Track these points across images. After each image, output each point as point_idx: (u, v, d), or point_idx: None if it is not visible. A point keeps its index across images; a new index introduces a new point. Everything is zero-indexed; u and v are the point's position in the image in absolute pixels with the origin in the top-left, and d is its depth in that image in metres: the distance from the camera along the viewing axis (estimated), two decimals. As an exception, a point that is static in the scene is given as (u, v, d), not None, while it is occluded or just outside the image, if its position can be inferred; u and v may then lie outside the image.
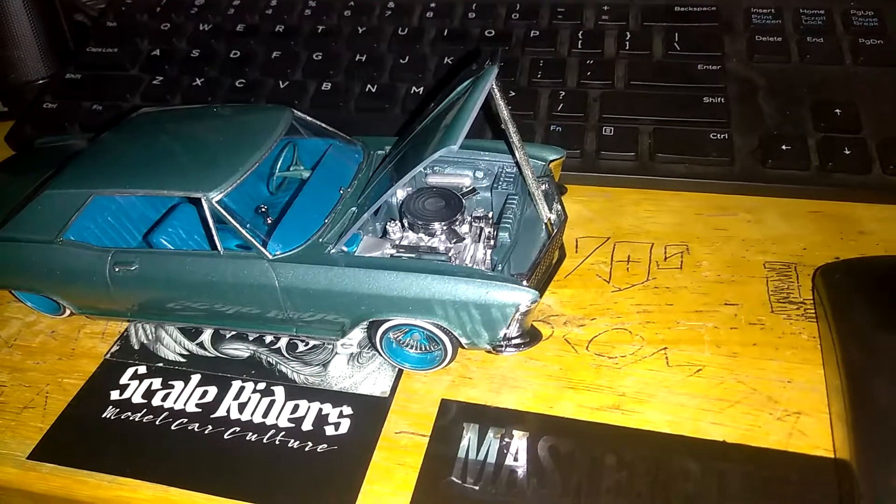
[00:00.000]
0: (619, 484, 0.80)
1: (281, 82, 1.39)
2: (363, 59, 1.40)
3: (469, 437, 0.87)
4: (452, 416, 0.89)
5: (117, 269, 0.95)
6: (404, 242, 0.94)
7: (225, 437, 0.90)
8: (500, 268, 0.88)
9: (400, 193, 0.99)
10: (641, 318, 1.00)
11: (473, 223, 0.96)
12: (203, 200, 0.90)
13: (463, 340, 0.88)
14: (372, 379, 0.95)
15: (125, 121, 1.09)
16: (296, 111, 1.03)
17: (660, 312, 1.00)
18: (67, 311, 1.06)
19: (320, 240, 0.92)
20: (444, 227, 0.94)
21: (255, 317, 0.94)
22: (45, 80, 1.55)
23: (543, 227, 0.95)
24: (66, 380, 1.00)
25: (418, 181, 1.03)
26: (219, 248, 0.91)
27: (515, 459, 0.84)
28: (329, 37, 1.46)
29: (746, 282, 1.03)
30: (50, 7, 1.57)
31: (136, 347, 1.03)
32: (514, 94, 1.27)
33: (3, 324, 1.09)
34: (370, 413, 0.91)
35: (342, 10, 1.50)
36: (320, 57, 1.42)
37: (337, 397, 0.93)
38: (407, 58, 1.38)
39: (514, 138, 0.91)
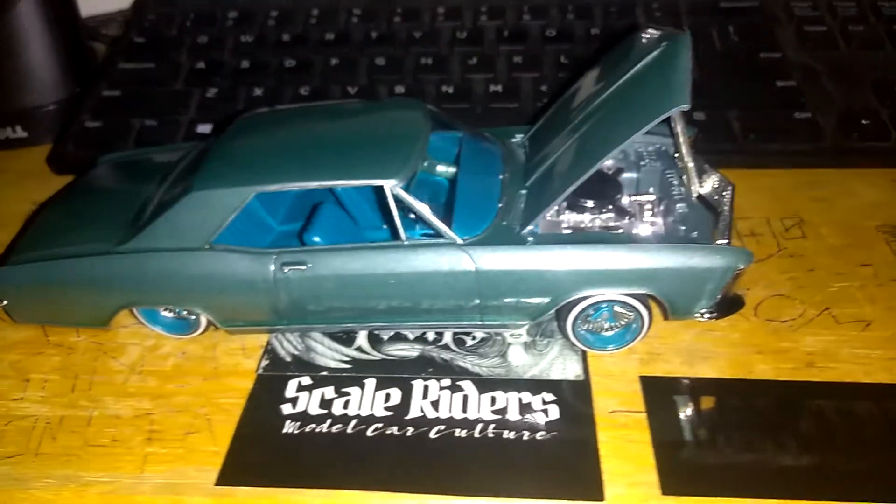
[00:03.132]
0: (850, 434, 0.81)
1: (350, 88, 1.35)
2: (430, 62, 1.38)
3: (685, 407, 0.86)
4: (661, 390, 0.88)
5: (286, 271, 0.88)
6: (573, 223, 0.93)
7: (431, 436, 0.84)
8: (694, 235, 0.88)
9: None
10: (792, 283, 1.03)
11: (633, 200, 0.96)
12: (386, 188, 0.85)
13: (672, 310, 0.87)
14: (559, 364, 0.92)
15: (241, 120, 1.02)
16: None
17: (806, 278, 1.04)
18: (200, 329, 0.97)
19: (503, 223, 0.89)
20: (611, 206, 0.94)
21: (440, 308, 0.89)
22: (59, 103, 1.42)
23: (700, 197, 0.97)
24: (222, 400, 0.90)
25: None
26: (402, 237, 0.87)
27: (741, 423, 0.84)
28: (387, 43, 1.43)
29: (869, 245, 1.09)
30: (70, 28, 1.45)
31: (288, 360, 0.95)
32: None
33: (119, 351, 0.98)
34: (574, 397, 0.88)
35: (392, 17, 1.48)
36: (383, 62, 1.39)
37: (531, 385, 0.90)
38: (475, 58, 1.38)
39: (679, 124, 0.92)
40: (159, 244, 0.90)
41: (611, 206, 0.94)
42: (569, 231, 0.92)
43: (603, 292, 0.86)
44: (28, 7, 1.37)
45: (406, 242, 0.87)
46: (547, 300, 0.87)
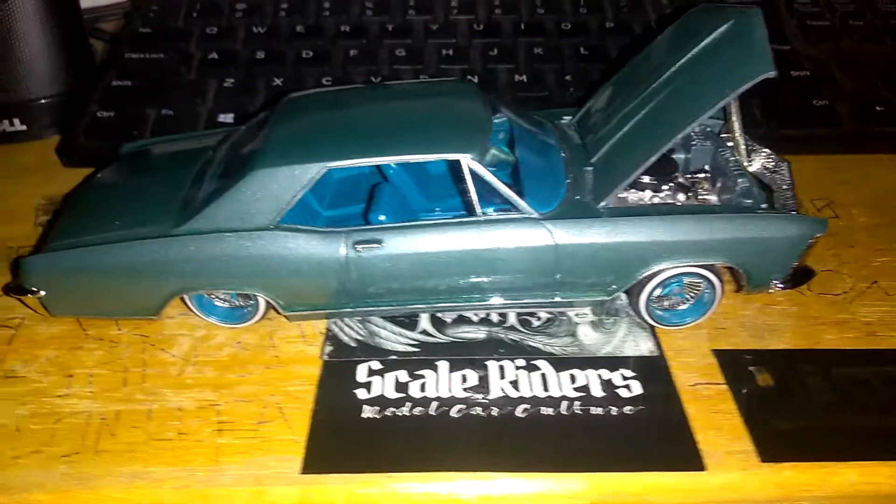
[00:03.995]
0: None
1: (373, 77, 1.32)
2: (450, 53, 1.37)
3: (765, 377, 0.86)
4: (737, 363, 0.88)
5: (359, 250, 0.84)
6: (635, 201, 0.93)
7: (518, 414, 0.82)
8: (763, 207, 0.89)
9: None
10: (836, 259, 1.05)
11: (689, 177, 0.97)
12: (463, 161, 0.84)
13: (748, 281, 0.88)
14: (630, 341, 0.91)
15: (290, 100, 0.98)
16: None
17: (848, 254, 1.06)
18: (256, 317, 0.92)
19: (575, 197, 0.88)
20: (671, 182, 0.94)
21: (516, 285, 0.88)
22: (60, 95, 1.34)
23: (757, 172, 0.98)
24: (290, 388, 0.86)
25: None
26: (478, 212, 0.85)
27: (823, 390, 0.84)
28: (409, 33, 1.41)
29: (901, 222, 1.13)
30: (70, 19, 1.38)
31: (353, 345, 0.91)
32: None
33: (168, 342, 0.92)
34: (652, 372, 0.87)
35: (406, 9, 1.47)
36: (403, 53, 1.37)
37: (607, 362, 0.89)
38: (495, 49, 1.38)
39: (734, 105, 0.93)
40: (221, 225, 0.85)
41: (671, 183, 0.95)
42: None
43: (681, 264, 0.86)
44: (27, -5, 1.30)
45: (482, 217, 0.85)
46: (626, 273, 0.87)
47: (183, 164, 1.00)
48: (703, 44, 0.88)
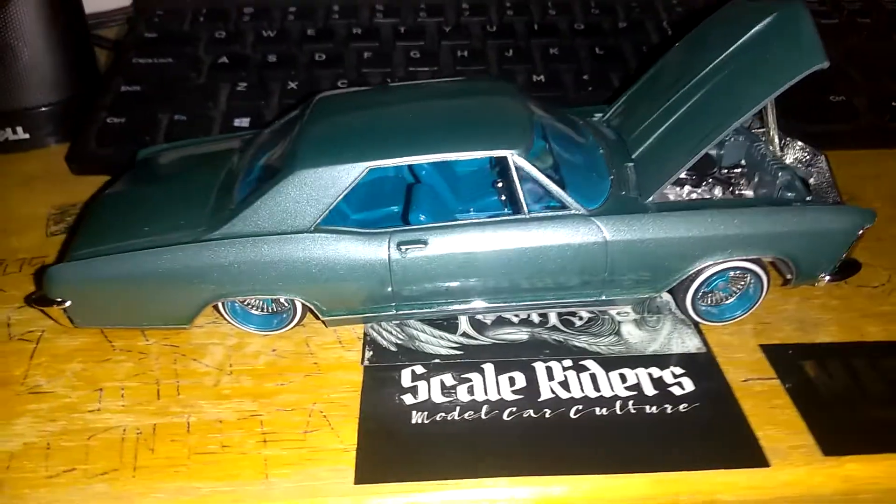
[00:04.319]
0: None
1: (389, 79, 1.30)
2: (465, 54, 1.35)
3: (816, 371, 0.85)
4: (786, 357, 0.87)
5: (404, 250, 0.82)
6: (674, 197, 0.92)
7: (571, 416, 0.80)
8: (809, 199, 0.89)
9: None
10: (867, 253, 1.02)
11: (726, 173, 0.96)
12: (509, 158, 0.82)
13: (798, 273, 0.87)
14: (676, 339, 0.90)
15: (322, 100, 0.95)
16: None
17: (878, 247, 1.05)
18: (293, 323, 0.89)
19: (621, 192, 0.87)
20: (710, 178, 0.94)
21: (564, 284, 0.86)
22: (63, 102, 1.30)
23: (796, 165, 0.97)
24: (334, 395, 0.83)
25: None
26: (525, 210, 0.83)
27: (871, 381, 0.84)
28: (421, 35, 1.40)
29: (925, 214, 1.13)
30: (73, 24, 1.33)
31: (394, 349, 0.89)
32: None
33: (199, 352, 0.89)
34: (702, 369, 0.86)
35: (417, 11, 1.45)
36: (418, 56, 1.35)
37: (656, 360, 0.87)
38: (511, 51, 1.36)
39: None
40: (260, 228, 0.83)
41: (709, 179, 0.94)
42: (678, 203, 0.90)
43: (731, 259, 0.85)
44: (29, 1, 1.26)
45: (529, 216, 0.83)
46: (675, 269, 0.85)
47: (207, 168, 0.97)
48: (746, 36, 0.87)
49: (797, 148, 1.00)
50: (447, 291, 0.85)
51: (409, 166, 1.00)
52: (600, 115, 1.05)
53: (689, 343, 0.89)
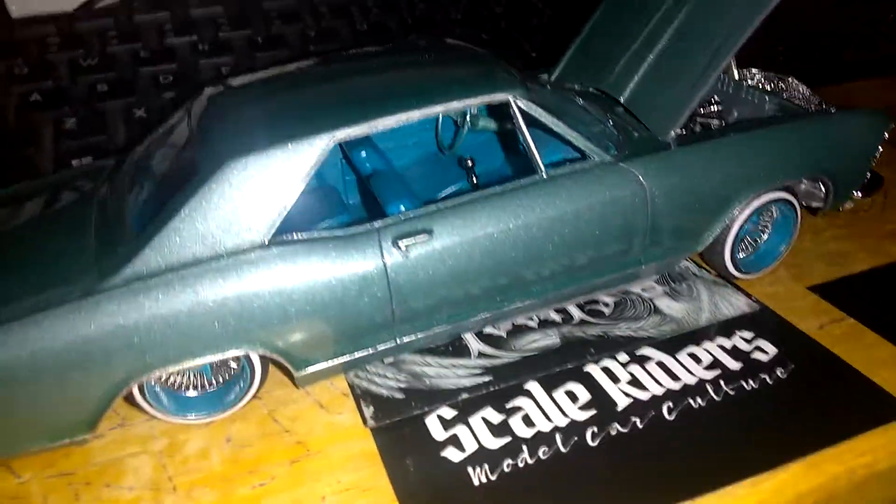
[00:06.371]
0: None
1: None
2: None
3: (879, 296, 0.75)
4: (842, 292, 0.76)
5: (404, 248, 0.59)
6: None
7: (667, 416, 0.61)
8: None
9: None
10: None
11: (708, 110, 0.85)
12: (512, 100, 0.63)
13: (836, 192, 0.76)
14: (724, 300, 0.75)
15: (213, 95, 0.68)
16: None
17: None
18: (251, 392, 0.61)
19: (635, 134, 0.71)
20: (699, 117, 0.82)
21: (599, 256, 0.67)
22: None
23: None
24: (345, 478, 0.57)
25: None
26: (541, 169, 0.64)
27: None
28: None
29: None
30: None
31: (401, 396, 0.64)
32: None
33: (115, 471, 0.58)
34: (771, 326, 0.72)
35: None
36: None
37: (717, 330, 0.71)
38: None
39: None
40: (182, 258, 0.55)
41: (694, 118, 0.82)
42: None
43: (774, 186, 0.72)
44: None
45: (547, 175, 0.64)
46: (721, 209, 0.71)
47: (65, 205, 0.67)
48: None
49: (754, 73, 0.91)
50: (465, 298, 0.63)
51: (345, 167, 0.78)
52: (545, 75, 0.89)
53: (738, 302, 0.75)
